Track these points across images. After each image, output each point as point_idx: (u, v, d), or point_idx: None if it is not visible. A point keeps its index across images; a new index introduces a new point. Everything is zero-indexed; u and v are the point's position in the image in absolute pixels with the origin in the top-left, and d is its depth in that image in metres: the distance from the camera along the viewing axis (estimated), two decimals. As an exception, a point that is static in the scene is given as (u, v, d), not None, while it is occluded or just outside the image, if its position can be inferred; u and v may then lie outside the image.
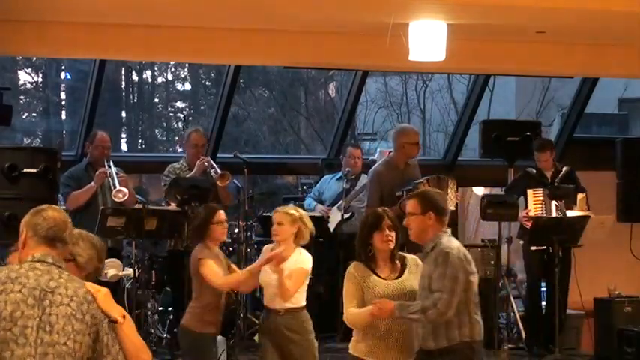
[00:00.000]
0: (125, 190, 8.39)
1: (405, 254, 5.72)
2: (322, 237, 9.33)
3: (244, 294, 8.55)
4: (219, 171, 8.79)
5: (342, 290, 5.69)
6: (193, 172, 8.91)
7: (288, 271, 6.32)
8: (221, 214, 6.71)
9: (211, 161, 9.08)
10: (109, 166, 8.59)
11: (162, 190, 8.99)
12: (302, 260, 6.46)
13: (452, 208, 8.84)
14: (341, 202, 9.55)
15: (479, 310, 5.48)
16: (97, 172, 8.58)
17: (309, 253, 6.57)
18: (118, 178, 8.49)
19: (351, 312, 5.55)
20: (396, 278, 5.58)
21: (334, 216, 9.58)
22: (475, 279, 5.42)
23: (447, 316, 5.27)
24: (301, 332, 6.46)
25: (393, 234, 5.58)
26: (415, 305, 5.33)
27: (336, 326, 8.92)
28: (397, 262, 5.63)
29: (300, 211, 6.63)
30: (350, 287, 5.58)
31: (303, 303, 6.51)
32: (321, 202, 9.81)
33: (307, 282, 6.51)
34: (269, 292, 6.48)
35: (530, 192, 9.24)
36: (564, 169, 9.40)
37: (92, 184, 8.58)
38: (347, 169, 9.57)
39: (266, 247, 6.63)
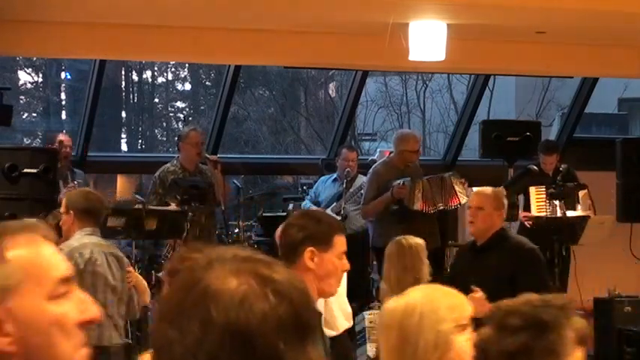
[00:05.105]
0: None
1: None
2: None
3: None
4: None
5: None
6: None
7: None
8: None
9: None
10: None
11: (150, 190, 8.99)
12: None
13: (463, 202, 8.83)
14: (334, 204, 9.52)
15: None
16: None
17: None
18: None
19: None
20: None
21: (327, 218, 9.53)
22: None
23: None
24: None
25: None
26: None
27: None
28: None
29: None
30: None
31: None
32: (317, 203, 9.77)
33: None
34: None
35: (532, 189, 9.22)
36: (563, 166, 9.40)
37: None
38: (346, 170, 9.56)
39: None
